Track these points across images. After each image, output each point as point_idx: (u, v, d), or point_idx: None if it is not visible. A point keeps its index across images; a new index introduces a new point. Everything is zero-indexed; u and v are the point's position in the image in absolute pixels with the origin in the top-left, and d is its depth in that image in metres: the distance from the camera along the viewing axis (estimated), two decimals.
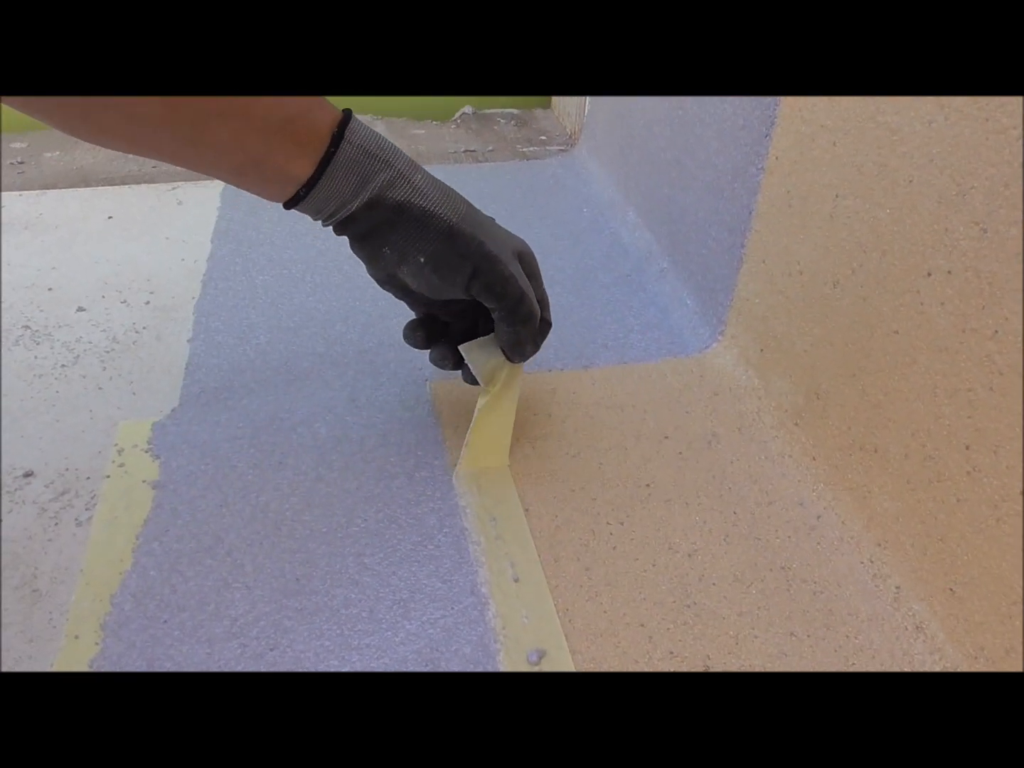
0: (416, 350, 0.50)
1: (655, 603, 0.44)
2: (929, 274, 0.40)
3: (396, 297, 0.48)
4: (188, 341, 0.64)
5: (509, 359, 0.47)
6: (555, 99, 1.13)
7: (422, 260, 0.42)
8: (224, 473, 0.51)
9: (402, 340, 0.49)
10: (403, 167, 0.41)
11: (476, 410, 0.48)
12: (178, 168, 0.92)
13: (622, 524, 0.48)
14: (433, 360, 0.49)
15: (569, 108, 1.07)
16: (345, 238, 0.43)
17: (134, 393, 0.58)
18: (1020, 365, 0.35)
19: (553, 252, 0.78)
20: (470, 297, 0.43)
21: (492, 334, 0.47)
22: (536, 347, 0.47)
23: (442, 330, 0.49)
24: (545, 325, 0.47)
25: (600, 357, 0.64)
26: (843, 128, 0.46)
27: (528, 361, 0.48)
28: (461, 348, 0.47)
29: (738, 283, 0.60)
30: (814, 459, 0.51)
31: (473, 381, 0.49)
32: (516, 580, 0.44)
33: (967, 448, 0.38)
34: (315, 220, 0.42)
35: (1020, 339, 0.35)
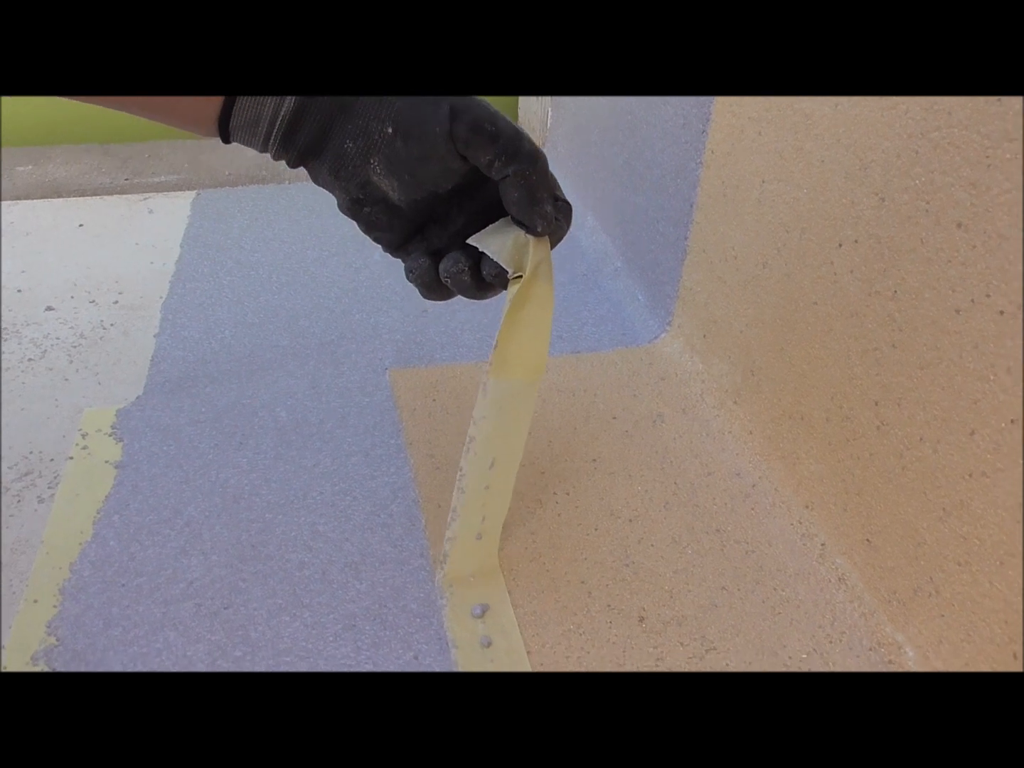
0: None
1: (595, 563, 0.46)
2: (840, 245, 0.43)
3: (383, 239, 0.40)
4: (154, 336, 0.66)
5: (531, 230, 0.38)
6: (521, 114, 1.17)
7: (390, 131, 0.36)
8: (186, 453, 0.53)
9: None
10: None
11: (506, 301, 0.39)
12: (149, 179, 0.95)
13: (568, 495, 0.51)
14: (448, 272, 0.40)
15: (534, 123, 1.10)
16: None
17: (100, 384, 0.60)
18: (916, 321, 0.38)
19: None
20: (460, 162, 0.37)
21: (503, 218, 0.40)
22: (560, 222, 0.39)
23: None
24: (564, 204, 0.39)
25: (555, 347, 0.66)
26: (766, 118, 0.49)
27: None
28: (472, 240, 0.39)
29: (683, 274, 0.63)
30: (751, 433, 0.53)
31: (502, 281, 0.40)
32: None
33: (876, 404, 0.41)
34: (262, 150, 0.38)
35: (915, 297, 0.38)
